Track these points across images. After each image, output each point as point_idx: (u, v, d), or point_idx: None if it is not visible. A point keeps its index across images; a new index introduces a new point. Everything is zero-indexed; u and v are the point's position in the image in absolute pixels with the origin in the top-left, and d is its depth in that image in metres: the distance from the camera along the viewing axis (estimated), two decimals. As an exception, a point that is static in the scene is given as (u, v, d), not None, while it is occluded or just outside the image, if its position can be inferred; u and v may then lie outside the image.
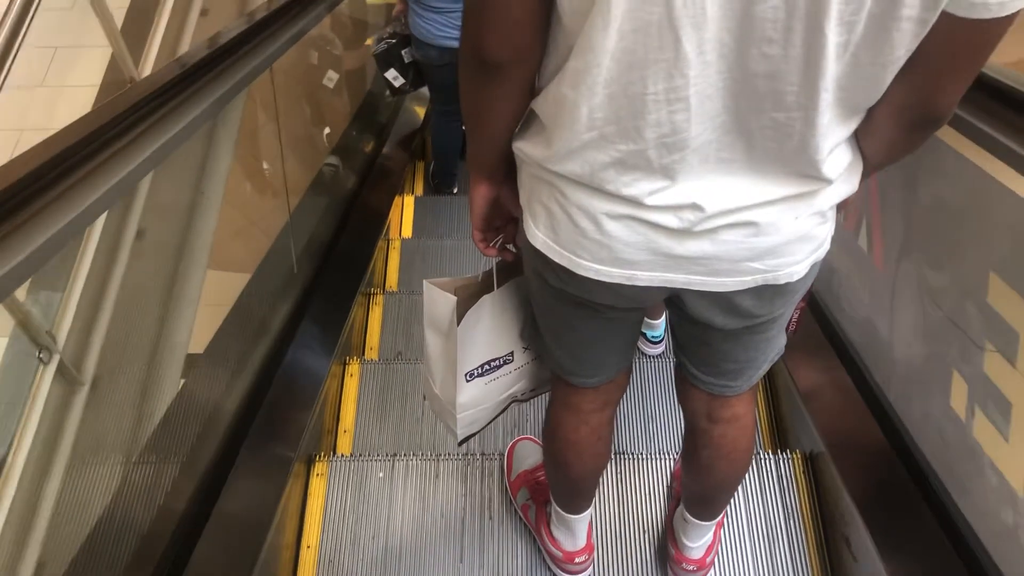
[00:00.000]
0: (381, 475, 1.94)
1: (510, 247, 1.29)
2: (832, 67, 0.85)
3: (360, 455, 1.99)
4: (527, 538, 1.81)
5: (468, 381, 1.39)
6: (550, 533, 1.70)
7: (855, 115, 0.95)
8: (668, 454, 1.96)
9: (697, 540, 1.64)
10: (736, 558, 1.77)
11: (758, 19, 0.82)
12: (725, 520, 1.80)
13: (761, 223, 0.98)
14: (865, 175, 1.06)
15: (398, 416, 2.23)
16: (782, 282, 1.05)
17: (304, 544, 1.82)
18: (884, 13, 0.81)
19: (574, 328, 1.26)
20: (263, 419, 1.83)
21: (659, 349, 2.36)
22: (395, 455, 1.97)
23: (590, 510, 1.64)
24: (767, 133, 0.92)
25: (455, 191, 3.94)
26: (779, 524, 1.82)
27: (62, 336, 1.25)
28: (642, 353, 2.35)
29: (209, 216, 1.74)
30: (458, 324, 1.31)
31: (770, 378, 2.21)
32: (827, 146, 0.93)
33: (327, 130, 3.16)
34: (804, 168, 0.95)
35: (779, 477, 1.89)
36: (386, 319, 2.69)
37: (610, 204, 0.99)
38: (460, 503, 1.89)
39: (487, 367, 1.41)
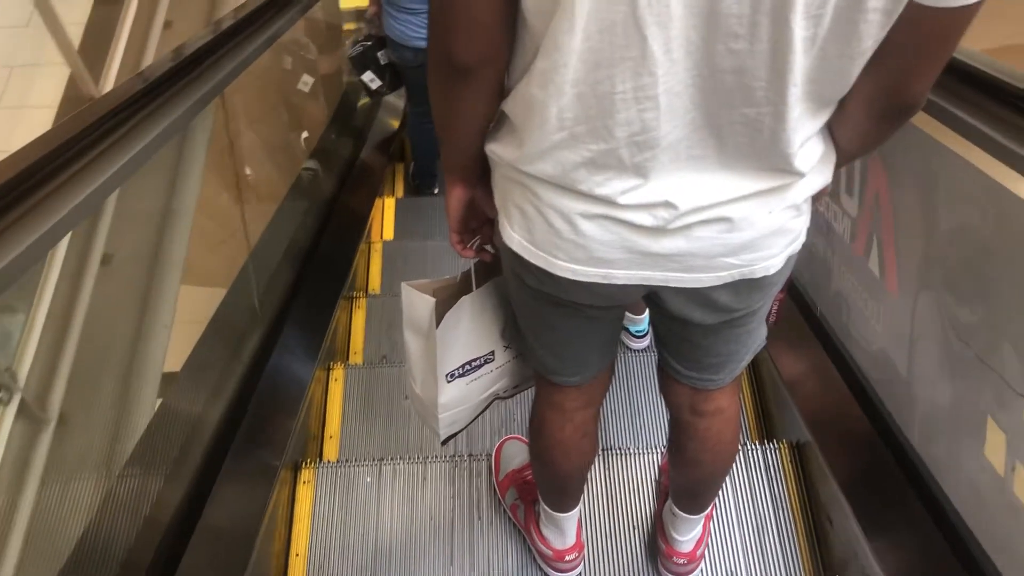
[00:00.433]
0: (369, 480, 1.93)
1: (488, 248, 1.28)
2: (800, 61, 0.84)
3: (347, 460, 1.98)
4: (517, 538, 1.80)
5: (449, 382, 1.39)
6: (539, 532, 1.70)
7: (825, 108, 0.95)
8: (655, 449, 1.96)
9: (686, 534, 1.64)
10: (726, 550, 1.77)
11: (723, 15, 0.82)
12: (714, 512, 1.80)
13: (735, 219, 0.98)
14: (839, 166, 1.06)
15: (384, 420, 2.22)
16: (758, 276, 1.05)
17: (293, 552, 1.81)
18: (850, 6, 0.81)
19: (554, 327, 1.26)
20: (247, 428, 1.82)
21: (644, 343, 2.36)
22: (382, 459, 1.97)
23: (579, 508, 1.63)
24: (737, 129, 0.91)
25: (436, 192, 3.94)
26: (768, 514, 1.82)
27: (23, 373, 1.18)
28: (627, 348, 2.35)
29: (181, 234, 1.70)
30: (437, 326, 1.30)
31: (754, 367, 2.22)
32: (798, 139, 0.93)
33: (304, 134, 3.14)
34: (776, 162, 0.95)
35: (766, 467, 1.90)
36: (369, 322, 2.68)
37: (584, 204, 0.99)
38: (449, 505, 1.88)
39: (468, 367, 1.40)
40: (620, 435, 2.14)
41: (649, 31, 0.82)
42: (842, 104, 0.96)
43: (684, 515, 1.60)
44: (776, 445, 1.93)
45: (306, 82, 3.24)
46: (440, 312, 1.30)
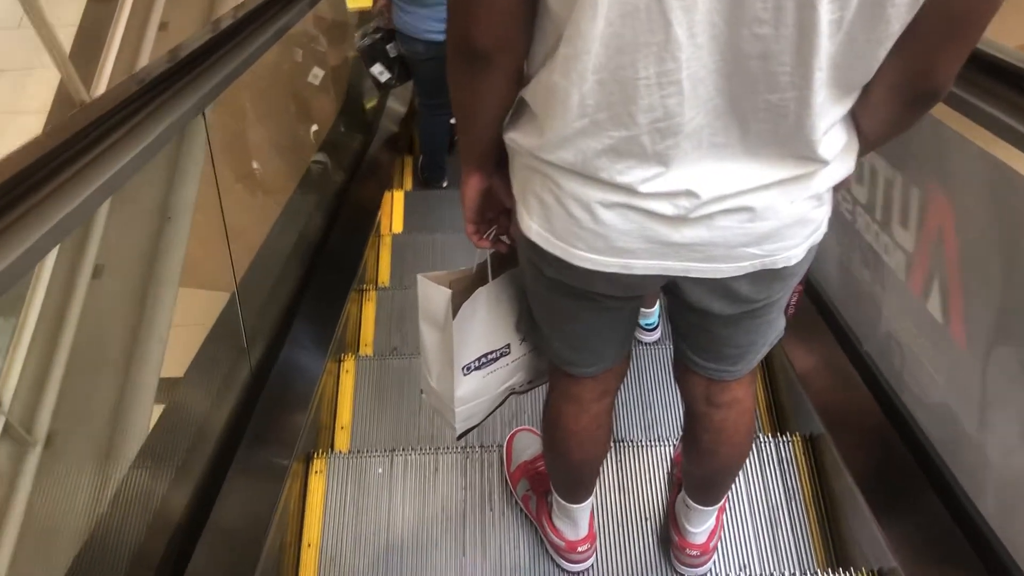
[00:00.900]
0: (380, 471, 1.93)
1: (503, 238, 1.28)
2: (825, 45, 0.84)
3: (358, 451, 1.98)
4: (529, 529, 1.80)
5: (465, 375, 1.39)
6: (552, 523, 1.70)
7: (850, 94, 0.94)
8: (668, 440, 1.96)
9: (700, 525, 1.64)
10: (738, 542, 1.77)
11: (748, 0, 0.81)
12: (727, 504, 1.80)
13: (757, 208, 0.98)
14: (861, 154, 1.05)
15: (395, 411, 2.22)
16: (779, 266, 1.05)
17: (305, 543, 1.81)
18: None
19: (571, 318, 1.25)
20: (259, 420, 1.82)
21: (655, 336, 2.36)
22: (393, 450, 1.97)
23: (591, 499, 1.63)
24: (761, 115, 0.91)
25: (445, 184, 3.93)
26: (781, 506, 1.82)
27: (7, 394, 1.12)
28: (638, 341, 2.35)
29: (178, 242, 1.63)
30: (453, 318, 1.30)
31: (767, 361, 2.22)
32: (823, 126, 0.92)
33: (313, 128, 3.14)
34: (800, 150, 0.94)
35: (779, 460, 1.90)
36: (380, 314, 2.68)
37: (604, 193, 0.99)
38: (460, 496, 1.88)
39: (484, 360, 1.40)
40: (632, 427, 2.14)
41: (674, 15, 0.82)
42: (866, 90, 0.95)
43: (697, 507, 1.60)
44: (789, 437, 1.93)
45: (316, 75, 3.24)
46: (456, 304, 1.30)
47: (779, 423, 2.14)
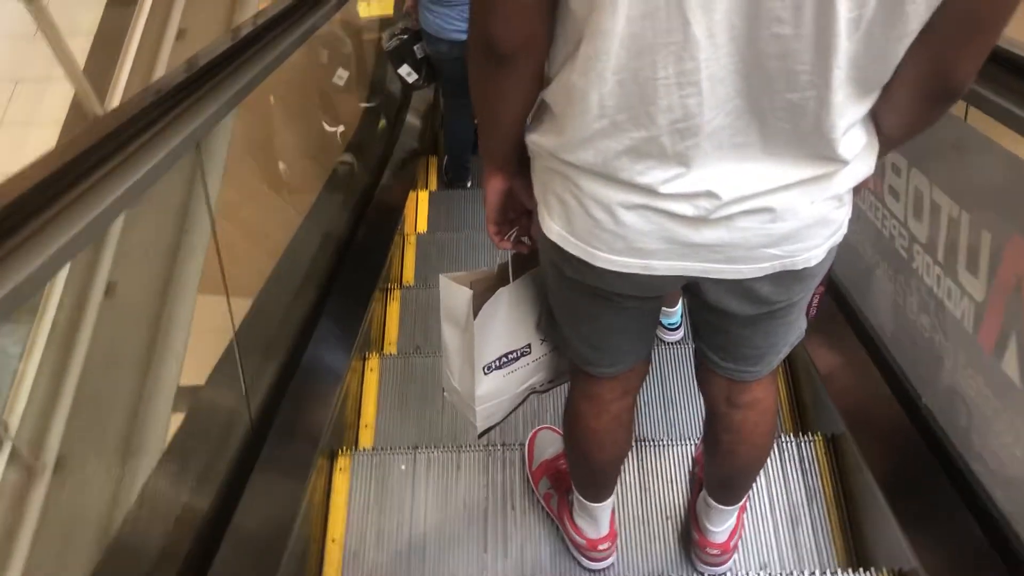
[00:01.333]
0: (403, 468, 1.95)
1: (525, 239, 1.29)
2: (844, 44, 0.84)
3: (382, 448, 2.00)
4: (550, 527, 1.81)
5: (486, 374, 1.40)
6: (573, 522, 1.71)
7: (869, 93, 0.95)
8: (689, 440, 1.96)
9: (720, 525, 1.64)
10: (759, 541, 1.77)
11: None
12: (748, 504, 1.80)
13: (778, 208, 0.98)
14: (881, 154, 1.05)
15: (418, 409, 2.24)
16: (800, 267, 1.05)
17: (329, 538, 1.83)
18: None
19: (592, 319, 1.26)
20: (285, 416, 1.85)
21: (677, 336, 2.36)
22: (416, 448, 1.99)
23: (612, 498, 1.64)
24: (781, 115, 0.91)
25: (469, 185, 3.95)
26: (802, 505, 1.82)
27: (15, 419, 1.08)
28: (660, 340, 2.35)
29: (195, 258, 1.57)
30: (474, 317, 1.31)
31: (790, 360, 2.21)
32: (842, 125, 0.92)
33: (340, 128, 3.16)
34: (820, 149, 0.95)
35: (801, 459, 1.89)
36: (404, 314, 2.70)
37: (624, 194, 0.99)
38: (482, 494, 1.90)
39: (505, 359, 1.41)
40: (653, 426, 2.14)
41: (692, 15, 0.83)
42: (887, 89, 0.95)
43: (718, 506, 1.60)
44: (811, 437, 1.93)
45: (340, 76, 3.27)
46: (477, 304, 1.31)
47: (802, 423, 2.13)
